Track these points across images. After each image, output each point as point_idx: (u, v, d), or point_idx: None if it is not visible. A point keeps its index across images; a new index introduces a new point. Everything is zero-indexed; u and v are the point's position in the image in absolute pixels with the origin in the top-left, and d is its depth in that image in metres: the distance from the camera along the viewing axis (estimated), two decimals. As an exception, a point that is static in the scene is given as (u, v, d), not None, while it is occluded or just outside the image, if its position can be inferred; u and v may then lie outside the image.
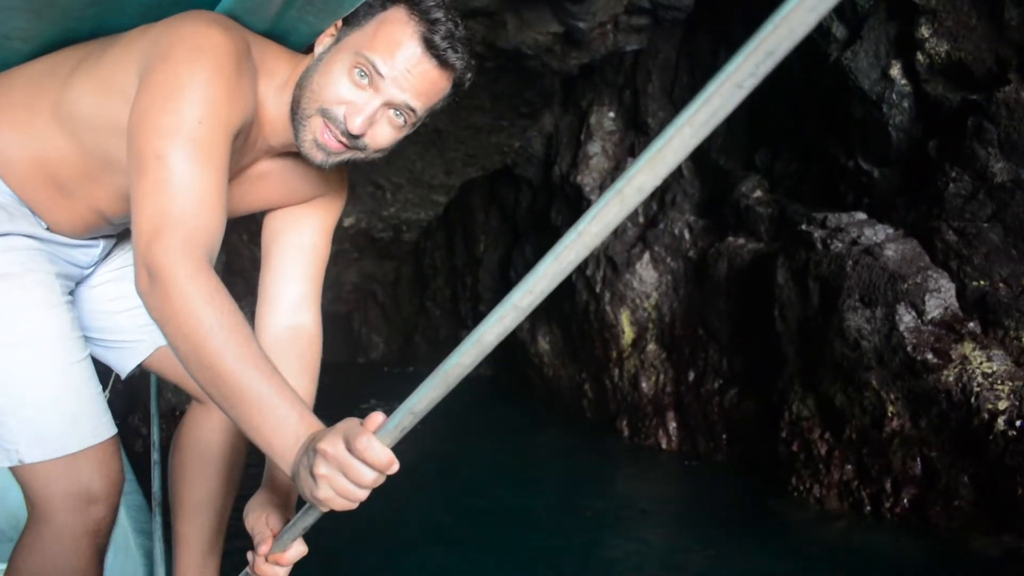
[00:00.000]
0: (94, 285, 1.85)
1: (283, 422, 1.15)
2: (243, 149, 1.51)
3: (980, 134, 3.92)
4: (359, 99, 1.41)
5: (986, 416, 3.54)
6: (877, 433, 4.00)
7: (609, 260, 6.45)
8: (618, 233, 6.61)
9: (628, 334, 6.28)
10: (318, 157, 1.46)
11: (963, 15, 4.20)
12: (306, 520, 1.20)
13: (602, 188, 6.99)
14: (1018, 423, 3.43)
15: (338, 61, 1.41)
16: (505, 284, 8.89)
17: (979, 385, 3.62)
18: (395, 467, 1.05)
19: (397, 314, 11.42)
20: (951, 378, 3.71)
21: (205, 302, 1.16)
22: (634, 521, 4.25)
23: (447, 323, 10.30)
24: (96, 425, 1.57)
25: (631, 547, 3.77)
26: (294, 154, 1.59)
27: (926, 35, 4.31)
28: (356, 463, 1.04)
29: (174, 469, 1.94)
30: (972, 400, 3.61)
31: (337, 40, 1.46)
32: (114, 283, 1.86)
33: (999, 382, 3.59)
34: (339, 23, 1.48)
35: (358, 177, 8.71)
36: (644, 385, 6.00)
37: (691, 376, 5.70)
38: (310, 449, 1.09)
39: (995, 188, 3.91)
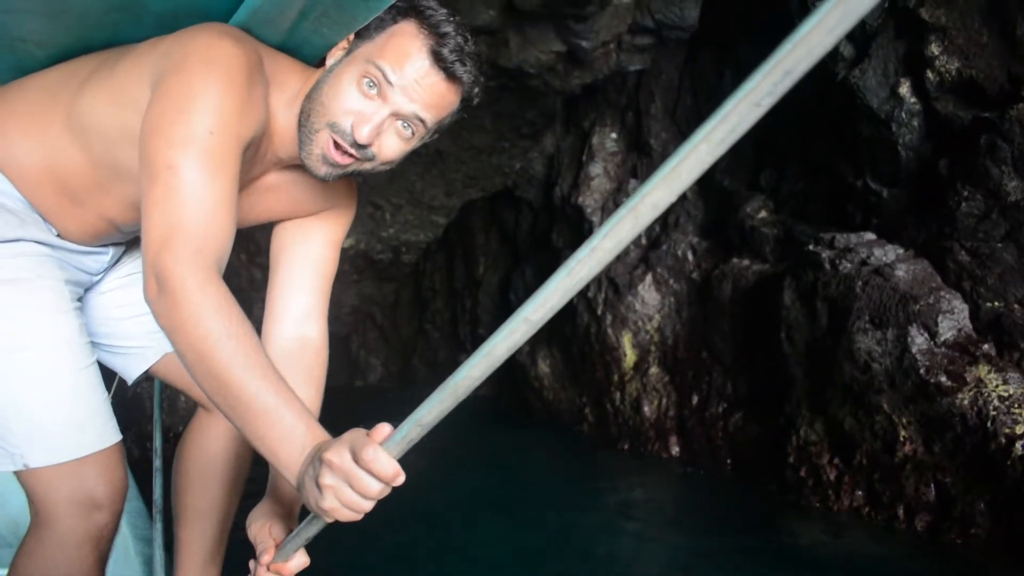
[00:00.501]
0: (103, 291, 1.85)
1: (290, 432, 1.14)
2: (253, 160, 1.50)
3: (993, 152, 3.85)
4: (367, 109, 1.41)
5: (1003, 440, 3.44)
6: (889, 458, 3.90)
7: (611, 282, 6.36)
8: (620, 255, 6.52)
9: (630, 357, 6.18)
10: (322, 170, 1.47)
11: (974, 32, 4.14)
12: (309, 531, 1.19)
13: (604, 210, 6.92)
14: (1037, 448, 3.33)
15: (348, 72, 1.42)
16: (505, 307, 8.81)
17: (995, 409, 3.52)
18: (401, 479, 1.05)
19: (396, 336, 11.32)
20: (966, 401, 3.61)
21: (214, 311, 1.16)
22: (633, 527, 4.13)
23: (446, 346, 10.21)
24: (102, 431, 1.56)
25: (631, 555, 3.67)
26: (303, 166, 1.58)
27: (936, 53, 4.25)
28: (362, 474, 1.04)
29: (178, 475, 1.92)
30: (988, 424, 3.50)
31: (348, 52, 1.46)
32: (122, 290, 1.86)
33: (1016, 406, 3.49)
34: (351, 36, 1.48)
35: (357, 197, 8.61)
36: (646, 409, 5.89)
37: (694, 400, 5.60)
38: (316, 459, 1.09)
39: (1009, 207, 3.83)
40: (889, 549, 3.62)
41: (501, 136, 7.62)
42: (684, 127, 6.55)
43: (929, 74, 4.29)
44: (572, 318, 6.75)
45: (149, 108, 1.32)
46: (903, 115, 4.43)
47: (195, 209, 1.23)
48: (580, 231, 7.07)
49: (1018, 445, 3.39)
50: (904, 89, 4.42)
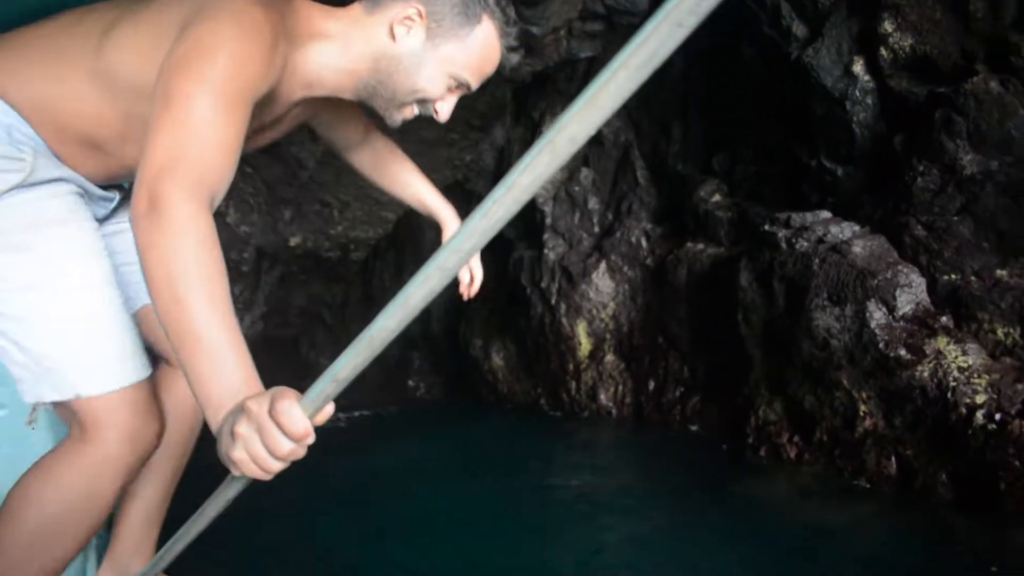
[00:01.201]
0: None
1: (228, 376, 1.13)
2: (272, 105, 1.61)
3: (949, 127, 3.85)
4: (451, 98, 1.68)
5: (963, 411, 3.43)
6: (849, 434, 3.87)
7: (564, 271, 6.29)
8: (573, 244, 6.48)
9: (585, 346, 6.11)
10: (398, 123, 1.71)
11: (927, 8, 4.15)
12: (228, 492, 1.16)
13: (556, 199, 6.85)
14: (997, 416, 3.32)
15: (441, 69, 1.60)
16: (456, 302, 8.70)
17: (955, 380, 3.51)
18: (311, 439, 1.03)
19: (346, 337, 11.13)
20: (926, 374, 3.60)
21: (197, 241, 1.18)
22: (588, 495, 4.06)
23: (397, 344, 10.06)
24: (144, 362, 1.66)
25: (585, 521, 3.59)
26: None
27: (889, 30, 4.26)
28: (273, 428, 1.01)
29: None
30: (948, 395, 3.49)
31: (430, 38, 1.59)
32: (108, 238, 1.88)
33: (975, 376, 3.48)
34: (422, 11, 1.58)
35: (304, 195, 8.50)
36: (603, 397, 5.83)
37: (651, 385, 5.55)
38: (238, 407, 1.06)
39: (964, 181, 3.83)
40: (853, 507, 3.60)
41: (450, 128, 7.51)
42: (635, 114, 6.52)
43: (883, 51, 4.29)
44: (526, 309, 6.67)
45: (174, 48, 1.36)
46: (857, 93, 4.43)
47: (202, 143, 1.26)
48: (532, 222, 6.99)
49: (978, 415, 3.38)
50: (858, 67, 4.42)
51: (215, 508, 1.20)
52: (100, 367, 1.57)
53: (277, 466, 1.03)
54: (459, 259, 0.78)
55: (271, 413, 1.01)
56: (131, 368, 1.61)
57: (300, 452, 1.04)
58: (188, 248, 1.16)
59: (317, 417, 1.03)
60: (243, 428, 1.02)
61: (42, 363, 1.56)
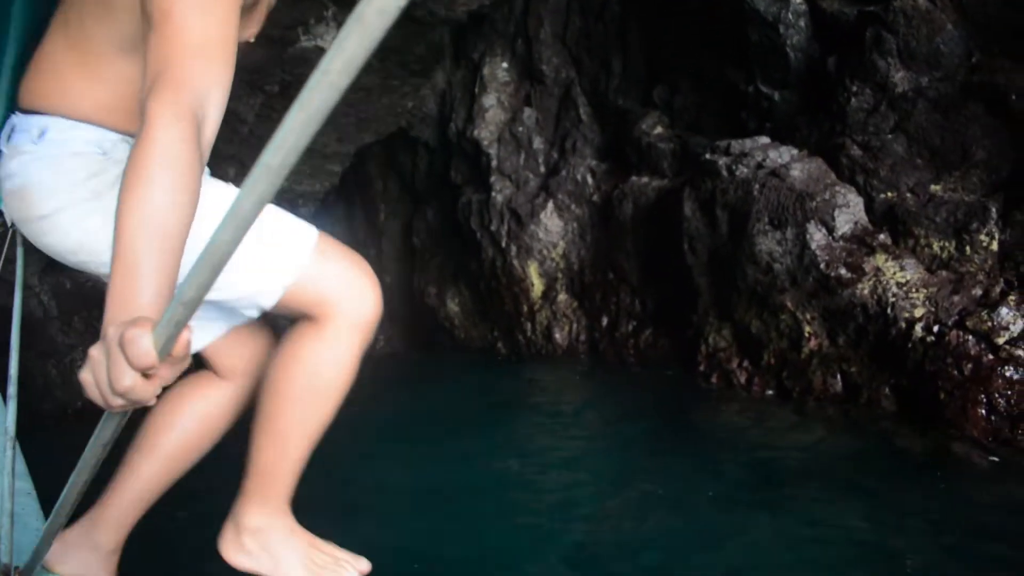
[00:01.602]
0: None
1: (132, 303, 1.06)
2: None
3: (879, 45, 3.87)
4: None
5: (903, 325, 3.50)
6: (796, 355, 3.94)
7: (513, 213, 6.28)
8: (520, 185, 6.45)
9: (538, 286, 6.13)
10: None
11: (853, -73, 4.14)
12: (104, 433, 1.05)
13: (500, 141, 6.81)
14: (935, 328, 3.39)
15: None
16: (409, 252, 8.67)
17: (894, 295, 3.57)
18: (154, 371, 0.91)
19: (300, 293, 11.07)
20: (866, 291, 3.66)
21: (169, 158, 1.15)
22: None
23: (352, 297, 10.02)
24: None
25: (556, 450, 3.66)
26: None
27: (818, -50, 4.24)
28: (119, 356, 0.91)
29: (161, 415, 1.83)
30: (888, 311, 3.56)
31: None
32: None
33: (913, 290, 3.55)
34: None
35: (246, 151, 8.34)
36: (558, 336, 5.87)
37: (604, 321, 5.59)
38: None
39: (897, 98, 3.87)
40: (803, 425, 3.69)
41: (390, 74, 7.40)
42: (575, 50, 6.46)
43: (813, -27, 4.28)
44: (477, 253, 6.66)
45: None
46: (790, 16, 4.42)
47: (183, 49, 1.23)
48: (478, 165, 6.95)
49: (917, 328, 3.45)
50: (789, -10, 4.41)
51: (94, 454, 1.10)
52: (284, 245, 1.56)
53: (116, 401, 0.94)
54: (285, 156, 0.77)
55: (120, 339, 0.91)
56: (305, 228, 1.60)
57: (142, 391, 0.92)
58: (155, 169, 1.15)
59: (175, 348, 0.90)
60: (95, 350, 0.95)
61: (243, 287, 1.57)
